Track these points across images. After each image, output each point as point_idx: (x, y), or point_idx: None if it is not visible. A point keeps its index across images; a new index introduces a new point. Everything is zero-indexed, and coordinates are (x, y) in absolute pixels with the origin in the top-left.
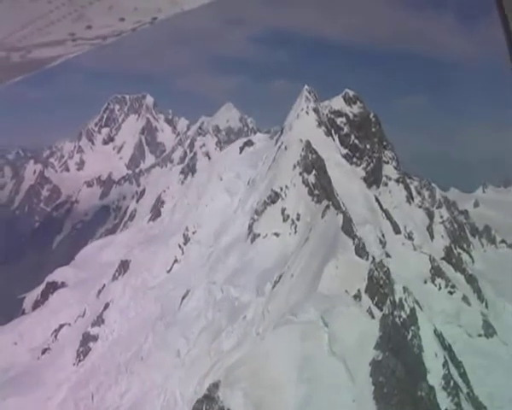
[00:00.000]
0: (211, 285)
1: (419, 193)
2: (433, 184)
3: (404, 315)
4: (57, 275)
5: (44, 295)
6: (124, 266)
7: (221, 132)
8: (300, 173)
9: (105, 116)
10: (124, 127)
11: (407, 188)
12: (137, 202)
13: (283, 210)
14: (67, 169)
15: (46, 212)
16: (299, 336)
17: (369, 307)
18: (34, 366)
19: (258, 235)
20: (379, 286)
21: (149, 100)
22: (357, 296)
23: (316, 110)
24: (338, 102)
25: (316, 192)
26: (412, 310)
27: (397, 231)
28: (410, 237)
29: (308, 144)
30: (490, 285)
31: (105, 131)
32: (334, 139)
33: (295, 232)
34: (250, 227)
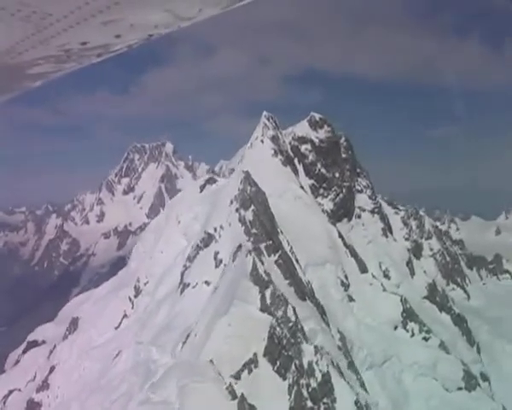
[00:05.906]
0: (138, 345)
1: (405, 224)
2: (421, 213)
3: (313, 383)
4: (38, 333)
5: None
6: (74, 323)
7: None
8: (237, 210)
9: (125, 166)
10: (144, 176)
11: (383, 219)
12: None
13: (216, 254)
14: (87, 222)
15: (64, 266)
16: None
17: (230, 384)
18: None
19: (188, 285)
20: (282, 348)
21: (169, 147)
22: (253, 362)
23: (274, 138)
24: (302, 128)
25: (253, 231)
26: (325, 376)
27: (363, 269)
28: (385, 276)
29: (247, 175)
30: (487, 325)
31: (125, 181)
32: (296, 169)
33: None
34: (181, 276)
